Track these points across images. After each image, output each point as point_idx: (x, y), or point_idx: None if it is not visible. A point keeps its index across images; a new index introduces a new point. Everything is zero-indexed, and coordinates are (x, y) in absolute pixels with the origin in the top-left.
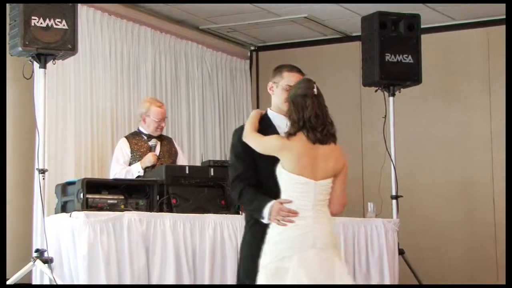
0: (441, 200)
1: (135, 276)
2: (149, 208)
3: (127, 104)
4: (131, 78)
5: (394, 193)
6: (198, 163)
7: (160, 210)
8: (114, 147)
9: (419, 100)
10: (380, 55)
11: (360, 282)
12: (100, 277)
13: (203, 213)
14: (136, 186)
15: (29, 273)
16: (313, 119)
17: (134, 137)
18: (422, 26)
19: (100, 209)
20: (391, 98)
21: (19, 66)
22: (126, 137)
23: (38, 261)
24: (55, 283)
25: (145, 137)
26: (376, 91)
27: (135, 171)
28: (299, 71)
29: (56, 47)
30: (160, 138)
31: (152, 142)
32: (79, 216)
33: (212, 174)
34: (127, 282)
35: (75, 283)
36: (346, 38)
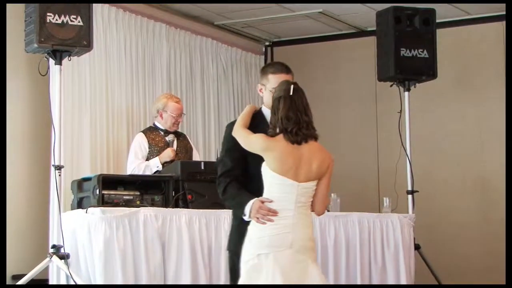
0: (457, 194)
1: (151, 271)
2: (165, 203)
3: (143, 100)
4: (146, 74)
5: (409, 188)
6: (213, 159)
7: (176, 206)
8: (130, 143)
9: (435, 95)
10: (395, 50)
11: (375, 277)
12: (116, 273)
13: (218, 209)
14: (151, 182)
15: (46, 269)
16: (284, 121)
17: (152, 132)
18: (437, 21)
19: (116, 205)
20: (406, 93)
21: (34, 63)
22: (143, 131)
23: (54, 257)
24: (71, 279)
25: (162, 133)
26: (391, 86)
27: (154, 166)
28: (284, 70)
29: (72, 44)
30: (176, 134)
31: (169, 137)
32: (95, 212)
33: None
34: (143, 277)
35: (91, 278)
36: (361, 33)
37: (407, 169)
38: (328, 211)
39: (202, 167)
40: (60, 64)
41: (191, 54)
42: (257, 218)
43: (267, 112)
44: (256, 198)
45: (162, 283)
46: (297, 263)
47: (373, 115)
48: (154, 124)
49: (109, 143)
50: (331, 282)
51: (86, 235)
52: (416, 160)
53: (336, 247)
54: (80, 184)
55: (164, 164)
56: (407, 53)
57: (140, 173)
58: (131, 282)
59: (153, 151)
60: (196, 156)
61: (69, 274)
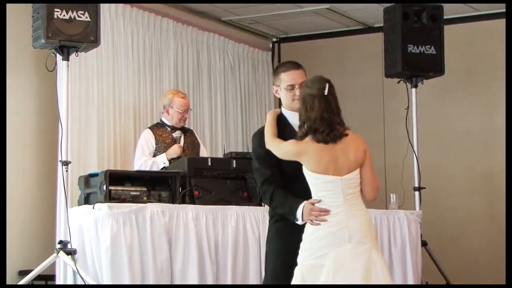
0: (464, 191)
1: (157, 267)
2: (172, 200)
3: (150, 96)
4: (153, 70)
5: (416, 185)
6: (220, 155)
7: (183, 202)
8: (137, 139)
9: (442, 91)
10: (403, 46)
11: None
12: (123, 269)
13: (225, 205)
14: (158, 178)
15: (52, 265)
16: (317, 121)
17: (159, 128)
18: (445, 17)
19: (123, 200)
20: (413, 90)
21: (42, 59)
22: (150, 128)
23: (61, 253)
24: (78, 275)
25: (169, 129)
26: (398, 82)
27: (161, 162)
28: (295, 66)
29: (79, 39)
30: (183, 130)
31: (176, 133)
32: (102, 208)
33: (234, 166)
34: (150, 273)
35: (98, 274)
36: (369, 29)
37: (414, 166)
38: None
39: (209, 163)
40: (68, 60)
41: (198, 50)
42: (311, 220)
43: (288, 114)
44: (305, 201)
45: (168, 279)
46: (359, 255)
47: (380, 111)
48: (161, 120)
49: (116, 139)
50: None
51: (93, 231)
52: (423, 157)
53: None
54: (87, 180)
55: (171, 161)
56: (414, 49)
57: (147, 169)
58: (137, 278)
59: (160, 147)
60: (204, 152)
61: (76, 270)
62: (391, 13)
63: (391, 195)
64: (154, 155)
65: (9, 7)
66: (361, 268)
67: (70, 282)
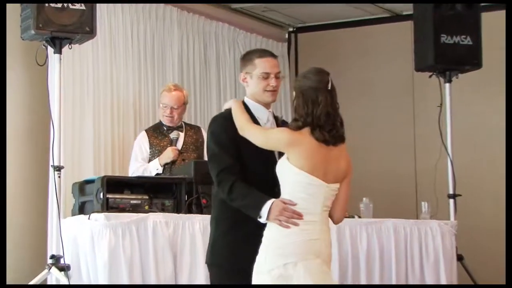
0: (503, 198)
1: (161, 284)
2: (177, 209)
3: (151, 93)
4: (155, 63)
5: (451, 191)
6: None
7: (189, 211)
8: None
9: (479, 86)
10: (435, 36)
11: None
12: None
13: None
14: (162, 184)
15: (45, 281)
16: (323, 118)
17: (155, 130)
18: (482, 4)
19: (122, 210)
20: (447, 85)
21: (31, 52)
22: (146, 130)
23: (53, 269)
24: None
25: (165, 128)
26: (430, 76)
27: (153, 168)
28: (271, 54)
29: (73, 30)
30: (184, 128)
31: (173, 134)
32: (99, 218)
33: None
34: None
35: None
36: (396, 17)
37: (448, 170)
38: (360, 217)
39: None
40: (60, 52)
41: (206, 41)
42: (279, 220)
43: (253, 106)
44: (275, 199)
45: None
46: (325, 274)
47: (410, 109)
48: (160, 121)
49: (114, 141)
50: None
51: (88, 244)
52: (458, 160)
53: (369, 258)
54: (82, 187)
55: (165, 166)
56: (448, 39)
57: None
58: None
59: (155, 152)
60: None
61: None
62: None
63: (423, 203)
64: (149, 161)
65: None
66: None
67: None
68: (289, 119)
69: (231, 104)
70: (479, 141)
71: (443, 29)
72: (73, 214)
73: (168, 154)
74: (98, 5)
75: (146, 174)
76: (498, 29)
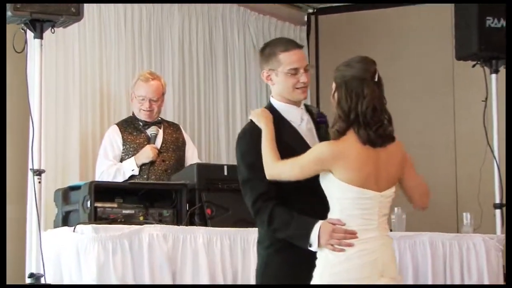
0: None
1: None
2: (177, 220)
3: None
4: (152, 52)
5: (497, 201)
6: None
7: (191, 223)
8: None
9: None
10: (479, 19)
11: None
12: None
13: (246, 227)
14: (159, 191)
15: None
16: (369, 114)
17: (129, 125)
18: None
19: (113, 221)
20: (493, 76)
21: (8, 37)
22: (117, 124)
23: None
24: None
25: (142, 124)
26: (473, 66)
27: (128, 169)
28: (296, 45)
29: (56, 11)
30: (163, 124)
31: (151, 130)
32: (86, 231)
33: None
34: None
35: None
36: None
37: (494, 176)
38: (391, 230)
39: (226, 172)
40: (41, 37)
41: (211, 25)
42: (331, 245)
43: (282, 108)
44: (321, 221)
45: None
46: None
47: (450, 104)
48: (133, 114)
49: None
50: None
51: (74, 260)
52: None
53: (402, 276)
54: (66, 194)
55: (142, 167)
56: (494, 23)
57: (109, 179)
58: None
59: (129, 149)
60: (193, 155)
61: None
62: None
63: (464, 214)
64: (122, 160)
65: None
66: None
67: None
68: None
69: (257, 117)
70: None
71: (489, 11)
72: (56, 226)
73: (147, 153)
74: None
75: (119, 175)
76: None
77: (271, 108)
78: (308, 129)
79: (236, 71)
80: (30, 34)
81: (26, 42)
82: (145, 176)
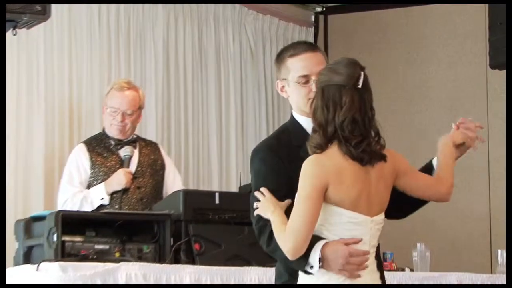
0: None
1: None
2: (159, 257)
3: None
4: (131, 55)
5: None
6: (234, 188)
7: (176, 260)
8: None
9: None
10: None
11: None
12: None
13: (241, 265)
14: (138, 223)
15: None
16: (347, 126)
17: (98, 144)
18: None
19: (84, 258)
20: None
21: None
22: (85, 142)
23: None
24: None
25: (113, 143)
26: None
27: (96, 197)
28: (309, 47)
29: (19, 9)
30: (138, 144)
31: (124, 151)
32: (52, 269)
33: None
34: None
35: None
36: None
37: None
38: (412, 270)
39: (217, 201)
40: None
41: (201, 24)
42: (346, 271)
43: (306, 122)
44: (325, 240)
45: None
46: None
47: (483, 121)
48: (103, 130)
49: None
50: None
51: None
52: None
53: None
54: (28, 226)
55: (113, 195)
56: None
57: (75, 208)
58: None
59: (98, 174)
60: (174, 182)
61: None
62: None
63: (499, 251)
64: (89, 186)
65: None
66: None
67: None
68: None
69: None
70: None
71: None
72: (16, 264)
73: (119, 179)
74: None
75: (86, 204)
76: None
77: (294, 124)
78: None
79: (230, 81)
80: None
81: None
82: (117, 206)
